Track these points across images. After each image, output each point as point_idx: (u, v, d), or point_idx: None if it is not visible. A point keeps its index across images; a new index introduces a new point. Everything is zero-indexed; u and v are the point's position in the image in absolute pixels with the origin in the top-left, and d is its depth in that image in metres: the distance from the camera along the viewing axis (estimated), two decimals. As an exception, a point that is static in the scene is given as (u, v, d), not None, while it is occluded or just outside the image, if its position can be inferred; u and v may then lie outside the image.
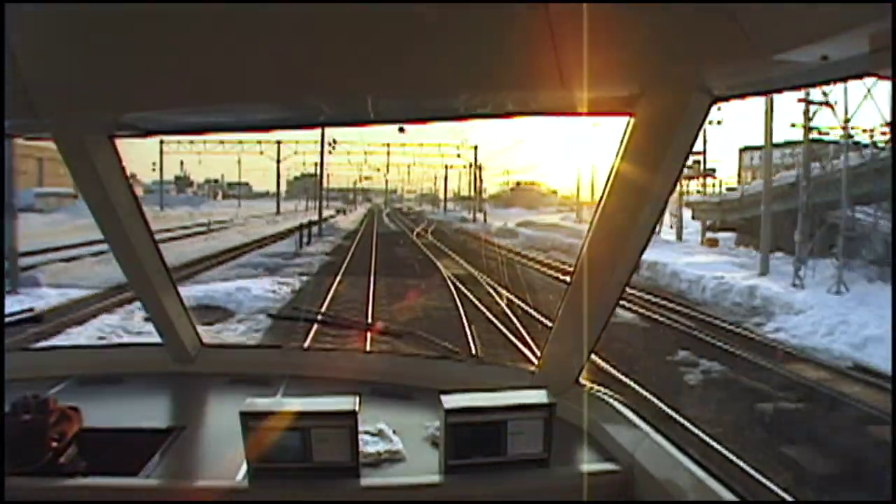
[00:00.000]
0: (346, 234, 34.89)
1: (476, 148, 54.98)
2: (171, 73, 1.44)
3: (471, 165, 56.22)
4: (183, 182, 72.19)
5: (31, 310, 2.52)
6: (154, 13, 1.34)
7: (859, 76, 1.12)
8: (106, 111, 1.64)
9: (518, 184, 73.19)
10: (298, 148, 51.92)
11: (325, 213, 52.23)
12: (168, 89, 1.48)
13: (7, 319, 2.36)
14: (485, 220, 48.09)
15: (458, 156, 55.09)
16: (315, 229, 30.34)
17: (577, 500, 1.65)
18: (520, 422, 1.66)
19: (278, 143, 50.62)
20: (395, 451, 1.74)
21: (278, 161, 49.83)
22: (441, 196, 75.23)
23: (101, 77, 1.46)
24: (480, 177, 56.03)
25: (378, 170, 58.71)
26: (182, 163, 67.00)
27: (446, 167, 60.98)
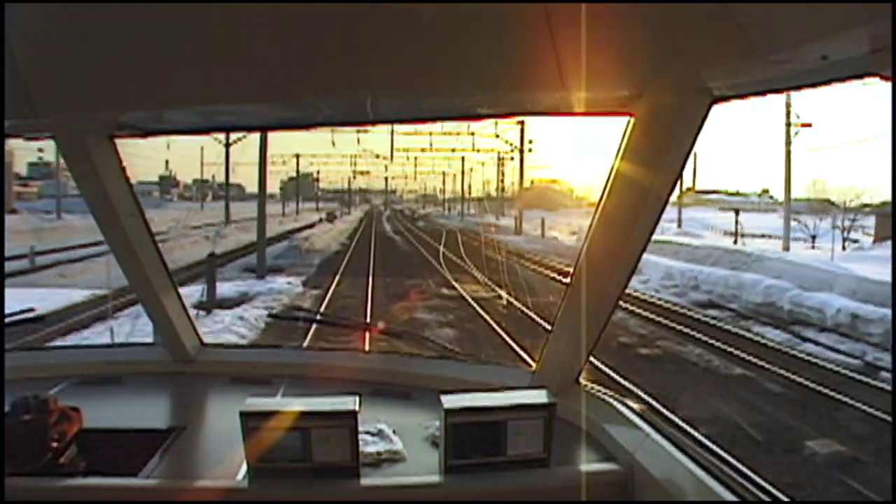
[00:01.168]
0: (319, 264, 20.17)
1: (523, 124, 36.69)
2: (171, 73, 1.45)
3: (500, 158, 44.29)
4: (168, 183, 66.35)
5: (31, 310, 2.52)
6: (154, 14, 1.35)
7: (859, 76, 1.12)
8: (106, 111, 1.64)
9: (532, 182, 61.66)
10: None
11: (310, 220, 43.25)
12: (168, 89, 1.48)
13: (7, 319, 2.36)
14: (542, 232, 33.72)
15: (497, 135, 39.87)
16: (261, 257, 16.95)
17: (577, 500, 1.65)
18: (520, 422, 1.65)
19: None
20: (395, 451, 1.74)
21: (227, 144, 37.39)
22: (440, 197, 72.04)
23: (101, 77, 1.47)
24: (514, 164, 41.87)
25: (379, 157, 47.68)
26: (167, 162, 60.33)
27: (463, 158, 50.25)
